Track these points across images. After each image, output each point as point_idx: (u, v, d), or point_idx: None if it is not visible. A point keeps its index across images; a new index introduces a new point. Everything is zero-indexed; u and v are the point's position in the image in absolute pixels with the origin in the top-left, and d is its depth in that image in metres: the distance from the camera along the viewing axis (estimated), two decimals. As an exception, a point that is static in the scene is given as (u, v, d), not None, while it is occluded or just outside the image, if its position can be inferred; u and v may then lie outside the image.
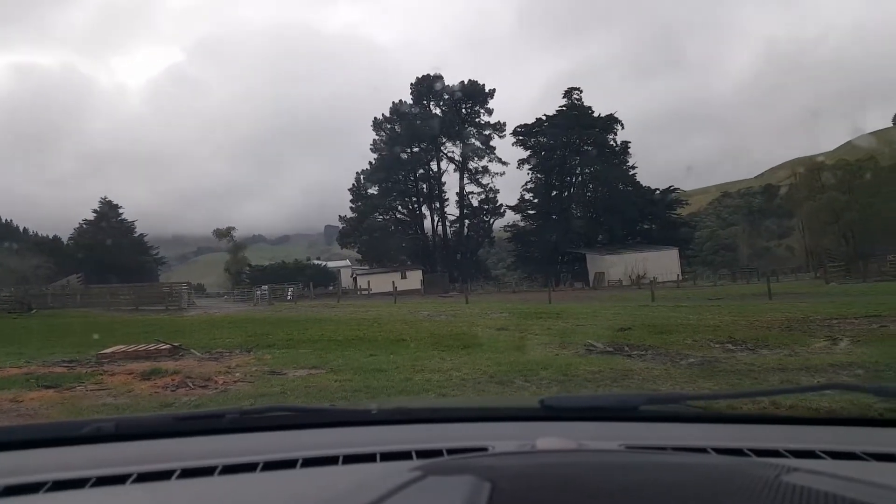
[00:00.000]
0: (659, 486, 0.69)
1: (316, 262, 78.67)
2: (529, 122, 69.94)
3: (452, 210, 72.11)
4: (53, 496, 0.98)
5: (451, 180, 79.72)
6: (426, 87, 69.46)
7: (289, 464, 1.08)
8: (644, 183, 67.23)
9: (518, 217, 71.96)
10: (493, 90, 69.51)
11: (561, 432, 1.15)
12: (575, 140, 67.29)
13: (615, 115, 68.00)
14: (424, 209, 72.20)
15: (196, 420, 1.39)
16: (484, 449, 1.13)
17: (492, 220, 72.21)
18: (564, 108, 68.60)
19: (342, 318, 19.71)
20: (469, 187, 71.07)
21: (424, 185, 71.05)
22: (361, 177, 69.89)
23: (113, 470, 1.05)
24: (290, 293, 47.05)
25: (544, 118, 68.74)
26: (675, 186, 68.46)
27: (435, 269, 65.11)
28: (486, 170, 70.14)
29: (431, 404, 2.18)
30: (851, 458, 1.10)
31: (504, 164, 70.03)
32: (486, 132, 69.60)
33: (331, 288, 59.51)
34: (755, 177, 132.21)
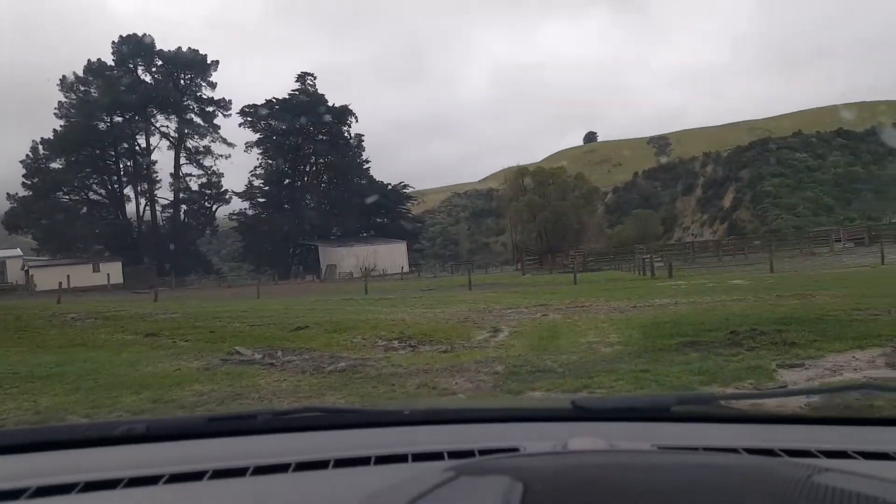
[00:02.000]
0: (690, 487, 0.69)
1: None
2: (259, 102, 65.60)
3: (166, 193, 64.27)
4: (85, 497, 0.98)
5: (164, 159, 70.89)
6: (133, 47, 60.24)
7: (321, 465, 1.08)
8: (385, 180, 68.29)
9: (246, 205, 67.49)
10: (217, 62, 63.56)
11: (592, 433, 1.16)
12: (308, 127, 65.23)
13: (349, 108, 67.76)
14: (128, 190, 63.09)
15: (227, 421, 1.39)
16: (515, 449, 1.13)
17: (215, 207, 66.33)
18: (297, 93, 65.96)
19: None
20: (188, 169, 64.19)
21: (129, 163, 61.90)
22: (41, 147, 57.51)
23: (144, 471, 1.05)
24: None
25: (274, 100, 65.25)
26: (407, 183, 70.91)
27: (141, 260, 57.04)
28: (208, 150, 64.12)
29: (463, 405, 2.25)
30: (884, 458, 1.09)
31: (230, 145, 64.80)
32: (209, 108, 63.42)
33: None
34: (479, 180, 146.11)
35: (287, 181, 67.36)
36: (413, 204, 72.19)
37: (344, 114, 67.40)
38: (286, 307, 17.42)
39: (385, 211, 66.94)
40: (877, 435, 1.28)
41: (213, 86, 63.29)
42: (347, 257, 56.06)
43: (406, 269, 54.31)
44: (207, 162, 64.06)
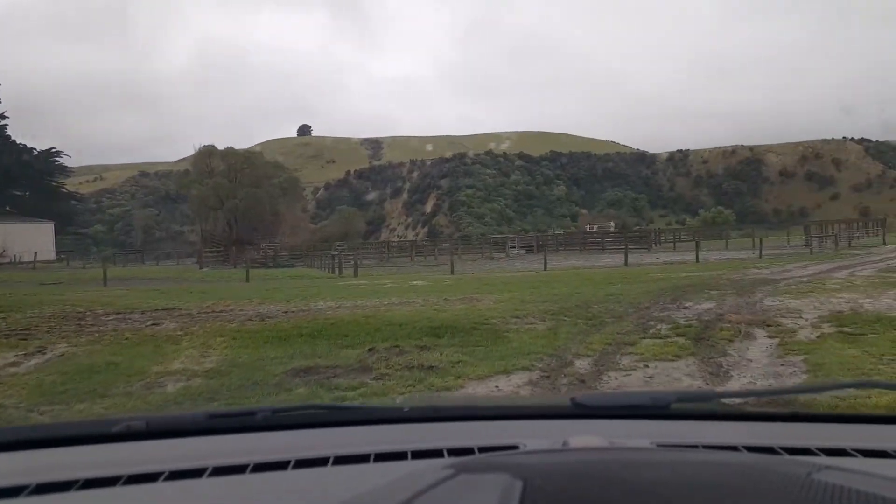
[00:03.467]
0: (690, 484, 0.69)
1: None
2: None
3: None
4: (84, 494, 0.98)
5: None
6: None
7: (320, 462, 1.08)
8: (52, 148, 53.19)
9: None
10: None
11: (592, 430, 1.15)
12: None
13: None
14: None
15: (227, 418, 1.38)
16: (515, 447, 1.13)
17: None
18: None
19: None
20: None
21: None
22: None
23: (144, 468, 1.05)
24: None
25: None
26: (60, 150, 56.75)
27: None
28: None
29: (463, 402, 2.26)
30: (883, 456, 1.10)
31: None
32: None
33: None
34: (176, 161, 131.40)
35: None
36: (67, 176, 58.51)
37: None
38: None
39: (27, 182, 53.38)
40: (876, 432, 1.29)
41: None
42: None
43: (53, 256, 43.83)
44: None
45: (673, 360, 6.35)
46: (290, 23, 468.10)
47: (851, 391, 2.60)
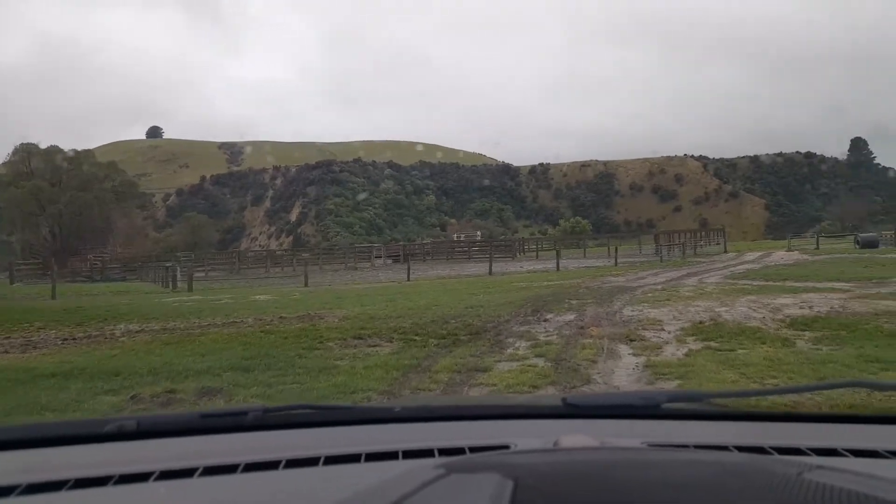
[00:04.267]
0: (681, 484, 0.69)
1: None
2: None
3: None
4: (75, 494, 0.98)
5: None
6: None
7: (311, 462, 1.08)
8: None
9: None
10: None
11: (583, 430, 1.15)
12: None
13: None
14: None
15: (218, 418, 1.37)
16: (506, 447, 1.13)
17: None
18: None
19: None
20: None
21: None
22: None
23: (135, 468, 1.05)
24: None
25: None
26: None
27: None
28: None
29: (454, 402, 2.29)
30: (874, 455, 1.10)
31: None
32: None
33: None
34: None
35: None
36: None
37: None
38: None
39: None
40: (867, 432, 1.28)
41: None
42: None
43: None
44: None
45: (530, 391, 5.22)
46: (142, 22, 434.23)
47: (842, 390, 2.57)
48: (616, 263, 26.09)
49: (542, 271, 24.34)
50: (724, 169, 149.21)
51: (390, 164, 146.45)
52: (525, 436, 1.19)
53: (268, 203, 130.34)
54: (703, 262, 26.21)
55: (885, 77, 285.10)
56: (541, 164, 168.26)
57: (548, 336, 8.26)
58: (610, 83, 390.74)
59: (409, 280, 22.38)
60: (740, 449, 1.10)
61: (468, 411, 1.51)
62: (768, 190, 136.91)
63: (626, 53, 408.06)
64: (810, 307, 10.12)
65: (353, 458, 1.09)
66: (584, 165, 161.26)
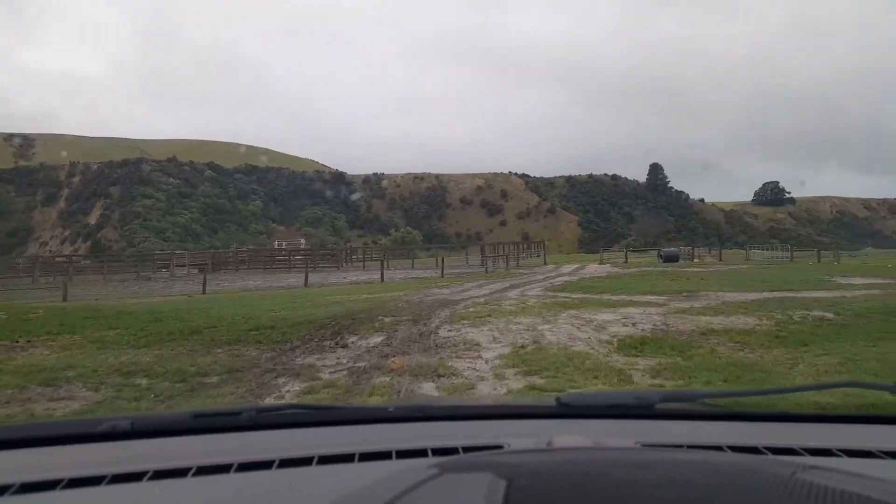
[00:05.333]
0: (674, 484, 0.69)
1: None
2: None
3: None
4: (69, 493, 0.98)
5: None
6: None
7: (305, 461, 1.08)
8: None
9: None
10: None
11: (577, 430, 1.16)
12: None
13: None
14: None
15: (212, 418, 1.36)
16: (500, 447, 1.13)
17: None
18: None
19: None
20: None
21: None
22: None
23: (129, 467, 1.04)
24: None
25: None
26: None
27: None
28: None
29: (448, 402, 2.30)
30: (868, 456, 1.10)
31: None
32: None
33: None
34: None
35: None
36: None
37: None
38: None
39: None
40: (860, 433, 1.28)
41: None
42: None
43: None
44: None
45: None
46: None
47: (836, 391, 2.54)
48: (442, 275, 25.03)
49: (366, 282, 22.48)
50: (543, 187, 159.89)
51: (211, 166, 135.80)
52: (519, 436, 1.18)
53: (62, 203, 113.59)
54: (525, 274, 26.13)
55: (678, 110, 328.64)
56: (375, 174, 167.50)
57: (335, 372, 6.31)
58: (439, 100, 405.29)
59: (204, 293, 19.18)
60: (734, 449, 1.11)
61: (462, 411, 1.49)
62: (581, 208, 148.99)
63: (453, 72, 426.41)
64: (633, 324, 9.33)
65: (346, 458, 1.08)
66: (418, 178, 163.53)
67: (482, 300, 14.03)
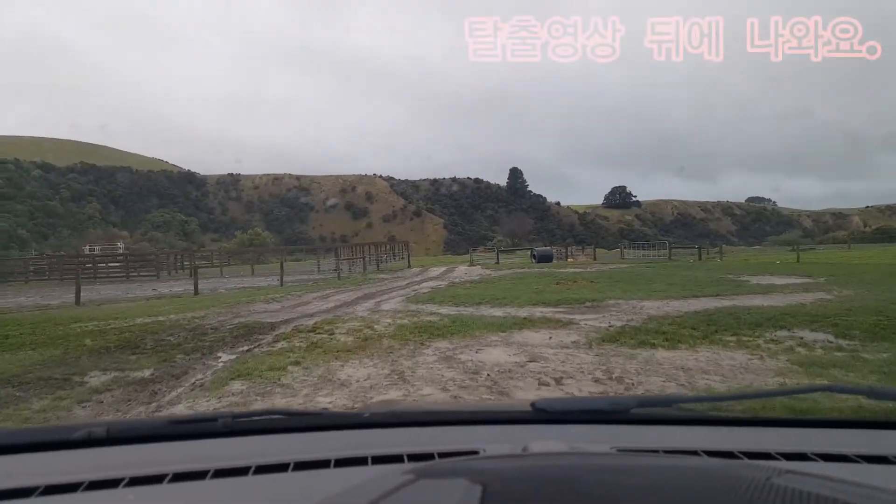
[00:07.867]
0: (650, 489, 0.70)
1: None
2: None
3: None
4: (45, 500, 0.97)
5: None
6: None
7: (280, 467, 1.07)
8: None
9: None
10: None
11: (552, 435, 1.16)
12: None
13: None
14: None
15: (188, 424, 1.36)
16: (475, 452, 1.12)
17: None
18: None
19: None
20: None
21: None
22: None
23: (105, 474, 1.04)
24: None
25: None
26: None
27: None
28: None
29: (423, 407, 2.22)
30: (843, 460, 1.10)
31: None
32: None
33: None
34: None
35: None
36: None
37: None
38: None
39: None
40: (836, 437, 1.27)
41: None
42: None
43: None
44: None
45: None
46: None
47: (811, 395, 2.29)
48: (282, 283, 20.14)
49: (173, 296, 17.09)
50: (408, 190, 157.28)
51: (39, 164, 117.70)
52: (494, 441, 1.17)
53: None
54: (386, 280, 21.98)
55: (517, 123, 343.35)
56: (231, 175, 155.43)
57: None
58: (289, 104, 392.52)
59: None
60: (710, 454, 1.10)
61: (437, 417, 1.47)
62: (446, 210, 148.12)
63: (301, 79, 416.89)
64: (556, 379, 5.39)
65: (322, 464, 1.08)
66: (277, 179, 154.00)
67: (314, 321, 9.65)
